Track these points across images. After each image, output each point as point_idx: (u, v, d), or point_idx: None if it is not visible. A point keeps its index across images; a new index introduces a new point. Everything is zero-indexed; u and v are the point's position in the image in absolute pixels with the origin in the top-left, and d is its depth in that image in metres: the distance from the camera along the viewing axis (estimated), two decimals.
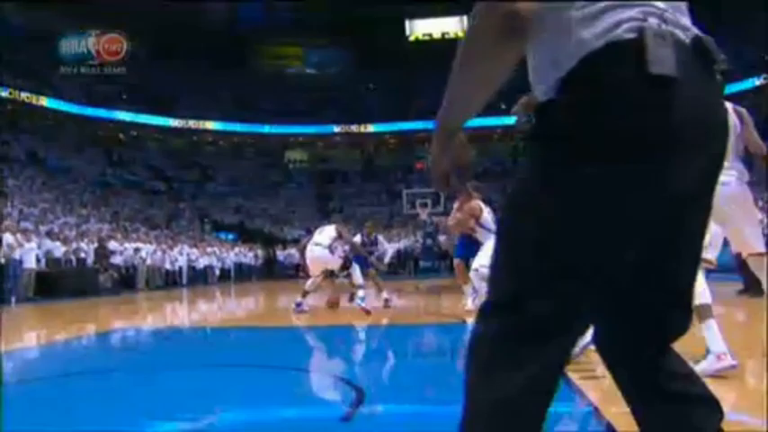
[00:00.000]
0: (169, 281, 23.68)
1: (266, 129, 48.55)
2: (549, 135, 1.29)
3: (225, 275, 28.71)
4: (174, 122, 46.45)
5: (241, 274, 29.72)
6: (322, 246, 10.02)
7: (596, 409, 3.32)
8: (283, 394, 4.61)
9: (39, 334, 9.53)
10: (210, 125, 47.78)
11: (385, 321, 9.08)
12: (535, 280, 1.28)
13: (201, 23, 45.99)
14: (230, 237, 36.70)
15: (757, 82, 33.62)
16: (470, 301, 8.95)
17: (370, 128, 48.59)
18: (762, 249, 4.44)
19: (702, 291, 4.11)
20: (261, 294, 16.19)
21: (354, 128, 47.99)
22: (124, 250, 21.68)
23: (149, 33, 43.03)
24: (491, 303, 1.34)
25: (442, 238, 8.20)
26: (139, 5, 39.06)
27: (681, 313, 1.46)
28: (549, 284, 1.27)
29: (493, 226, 8.04)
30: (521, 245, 1.32)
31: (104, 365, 6.30)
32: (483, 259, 7.88)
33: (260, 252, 33.37)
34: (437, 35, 50.04)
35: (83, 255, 19.74)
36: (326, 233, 10.24)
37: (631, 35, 1.23)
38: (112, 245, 21.38)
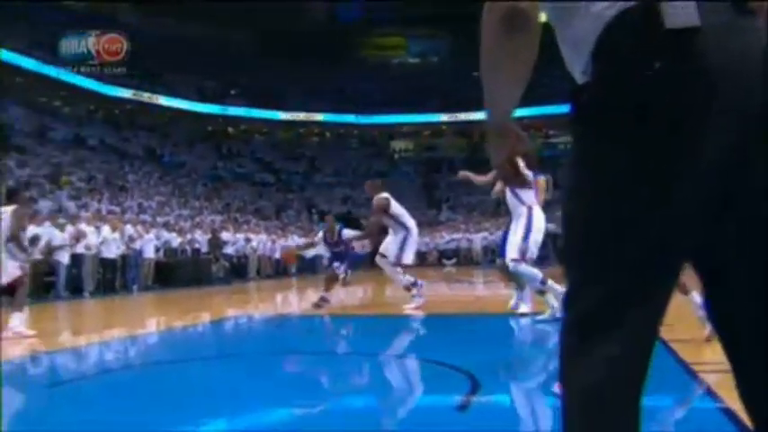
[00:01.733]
0: (279, 270, 24.17)
1: (371, 119, 48.89)
2: (582, 116, 1.27)
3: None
4: (281, 115, 47.52)
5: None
6: None
7: (728, 409, 2.93)
8: (396, 382, 4.54)
9: (158, 320, 9.90)
10: (316, 117, 48.59)
11: (491, 311, 8.84)
12: (591, 262, 1.26)
13: (306, 17, 46.72)
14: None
15: None
16: (513, 301, 8.10)
17: (477, 115, 47.99)
18: None
19: None
20: (369, 283, 16.22)
21: (461, 116, 47.52)
22: (236, 241, 22.24)
23: (257, 31, 44.20)
24: (566, 292, 1.32)
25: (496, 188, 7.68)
26: (248, 4, 40.00)
27: None
28: (604, 266, 1.23)
29: (528, 199, 7.06)
30: (572, 230, 1.32)
31: (222, 351, 6.44)
32: (512, 252, 7.02)
33: (367, 242, 33.57)
34: (541, 20, 48.95)
35: (197, 245, 20.41)
36: None
37: None
38: (225, 235, 22.00)
